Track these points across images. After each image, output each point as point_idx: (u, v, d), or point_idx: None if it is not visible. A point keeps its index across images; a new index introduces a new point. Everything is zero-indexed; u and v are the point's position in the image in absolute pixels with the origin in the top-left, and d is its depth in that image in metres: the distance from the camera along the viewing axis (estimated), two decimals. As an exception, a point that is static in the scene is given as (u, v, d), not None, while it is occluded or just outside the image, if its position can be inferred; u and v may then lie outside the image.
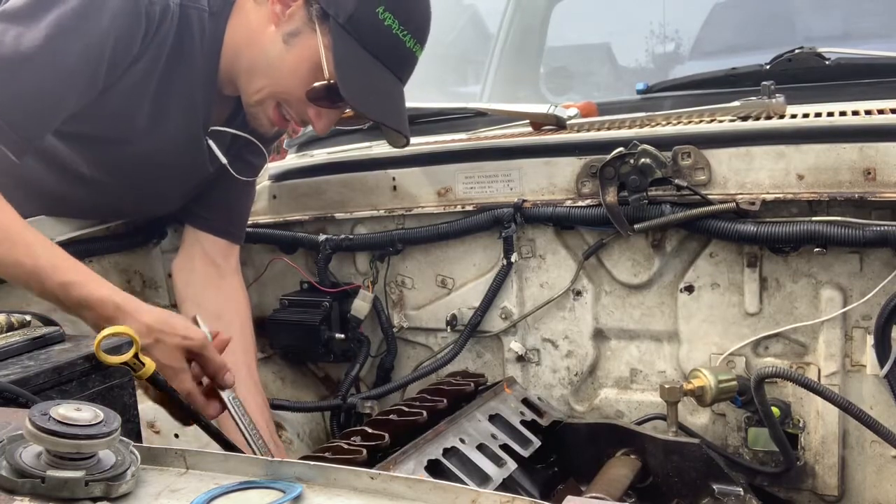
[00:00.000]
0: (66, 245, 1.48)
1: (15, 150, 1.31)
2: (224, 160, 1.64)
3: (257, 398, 1.67)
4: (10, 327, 1.11)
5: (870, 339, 1.46)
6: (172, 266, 1.82)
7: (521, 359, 1.84)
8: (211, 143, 1.62)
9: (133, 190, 1.65)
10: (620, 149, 1.60)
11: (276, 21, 1.48)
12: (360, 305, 1.91)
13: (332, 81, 1.46)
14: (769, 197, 1.52)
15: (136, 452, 0.73)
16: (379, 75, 1.51)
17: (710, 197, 1.56)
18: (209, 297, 1.75)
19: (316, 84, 1.47)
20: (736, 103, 1.69)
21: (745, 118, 1.65)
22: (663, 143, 1.59)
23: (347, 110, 1.60)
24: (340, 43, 1.45)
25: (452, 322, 1.87)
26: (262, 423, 1.63)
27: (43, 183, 1.56)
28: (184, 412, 1.27)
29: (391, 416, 1.45)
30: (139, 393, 1.17)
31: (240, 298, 1.80)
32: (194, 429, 1.31)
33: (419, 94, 1.72)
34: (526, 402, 1.65)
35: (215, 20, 1.50)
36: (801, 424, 1.59)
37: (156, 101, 1.50)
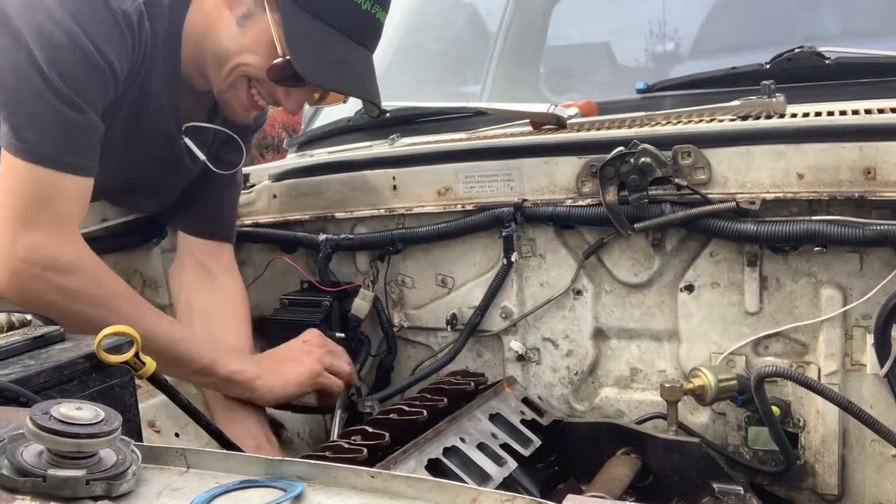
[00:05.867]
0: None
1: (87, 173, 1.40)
2: (202, 156, 1.64)
3: None
4: (11, 326, 1.11)
5: (870, 339, 1.46)
6: (168, 271, 1.83)
7: (521, 358, 1.84)
8: (188, 140, 1.62)
9: (117, 185, 1.66)
10: (620, 148, 1.60)
11: (230, 5, 1.48)
12: (361, 305, 1.90)
13: (287, 58, 1.45)
14: (769, 196, 1.52)
15: (137, 451, 0.73)
16: (337, 45, 1.48)
17: (710, 196, 1.56)
18: (199, 299, 1.75)
19: (275, 61, 1.46)
20: (736, 102, 1.70)
21: (745, 117, 1.65)
22: (663, 142, 1.59)
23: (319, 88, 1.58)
24: (290, 17, 1.43)
25: (452, 321, 1.87)
26: (255, 419, 1.63)
27: None
28: (184, 410, 1.27)
29: (391, 416, 1.44)
30: (139, 392, 1.17)
31: (233, 296, 1.80)
32: (195, 428, 1.31)
33: (419, 93, 1.72)
34: (526, 401, 1.65)
35: (172, 13, 1.49)
36: (801, 423, 1.59)
37: (130, 104, 1.50)
